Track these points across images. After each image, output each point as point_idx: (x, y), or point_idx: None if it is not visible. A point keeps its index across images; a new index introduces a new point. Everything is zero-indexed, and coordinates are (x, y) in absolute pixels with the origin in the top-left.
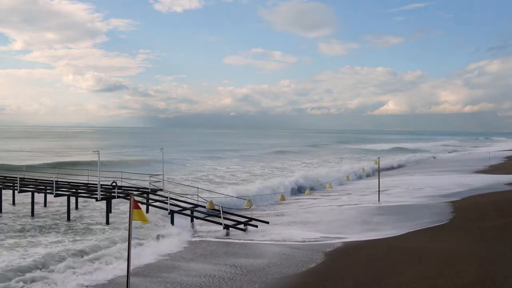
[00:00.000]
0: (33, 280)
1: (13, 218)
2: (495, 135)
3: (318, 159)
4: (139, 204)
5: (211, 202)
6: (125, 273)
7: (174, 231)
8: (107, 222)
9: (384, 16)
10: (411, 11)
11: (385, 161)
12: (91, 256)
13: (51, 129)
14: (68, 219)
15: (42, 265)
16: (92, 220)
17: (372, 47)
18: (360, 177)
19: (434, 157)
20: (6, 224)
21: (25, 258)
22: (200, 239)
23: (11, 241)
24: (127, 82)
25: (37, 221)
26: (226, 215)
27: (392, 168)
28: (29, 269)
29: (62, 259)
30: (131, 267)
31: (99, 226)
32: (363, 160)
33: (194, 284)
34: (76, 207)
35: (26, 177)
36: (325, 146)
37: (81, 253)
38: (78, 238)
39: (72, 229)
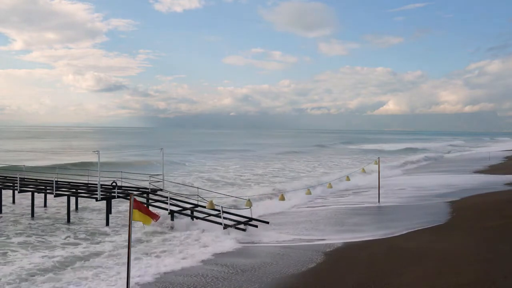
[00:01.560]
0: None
1: (14, 219)
2: (495, 135)
3: (331, 159)
4: (143, 205)
5: (211, 202)
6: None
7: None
8: (107, 223)
9: (384, 16)
10: (411, 11)
11: (402, 161)
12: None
13: (51, 129)
14: (68, 221)
15: (67, 265)
16: (98, 221)
17: (372, 47)
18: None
19: (443, 156)
20: (14, 225)
21: (44, 258)
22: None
23: (20, 240)
24: (127, 82)
25: (41, 222)
26: (226, 215)
27: (411, 167)
28: (58, 268)
29: (86, 259)
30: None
31: (101, 228)
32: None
33: (187, 284)
34: (76, 208)
35: (26, 177)
36: (332, 146)
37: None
38: (89, 239)
39: (81, 230)
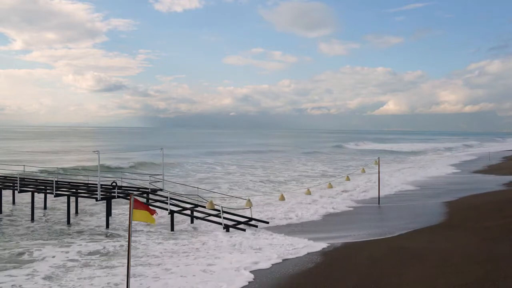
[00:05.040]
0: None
1: (14, 219)
2: (496, 135)
3: (364, 160)
4: (144, 205)
5: (211, 202)
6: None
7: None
8: (107, 224)
9: (384, 16)
10: (411, 11)
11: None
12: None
13: (51, 129)
14: (68, 222)
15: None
16: (98, 221)
17: (372, 47)
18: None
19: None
20: (14, 226)
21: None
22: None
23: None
24: (127, 82)
25: (42, 224)
26: (226, 215)
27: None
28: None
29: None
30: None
31: (101, 228)
32: (408, 162)
33: (184, 285)
34: (76, 211)
35: (26, 177)
36: (349, 147)
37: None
38: (89, 239)
39: (81, 230)
